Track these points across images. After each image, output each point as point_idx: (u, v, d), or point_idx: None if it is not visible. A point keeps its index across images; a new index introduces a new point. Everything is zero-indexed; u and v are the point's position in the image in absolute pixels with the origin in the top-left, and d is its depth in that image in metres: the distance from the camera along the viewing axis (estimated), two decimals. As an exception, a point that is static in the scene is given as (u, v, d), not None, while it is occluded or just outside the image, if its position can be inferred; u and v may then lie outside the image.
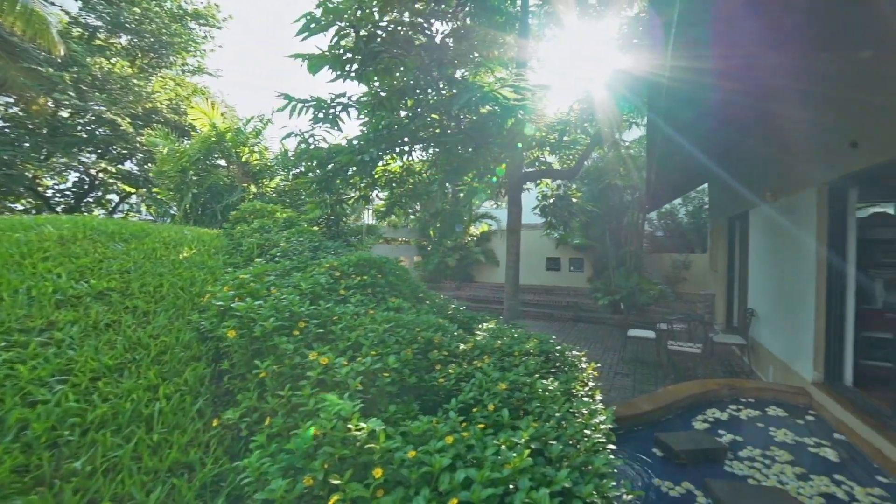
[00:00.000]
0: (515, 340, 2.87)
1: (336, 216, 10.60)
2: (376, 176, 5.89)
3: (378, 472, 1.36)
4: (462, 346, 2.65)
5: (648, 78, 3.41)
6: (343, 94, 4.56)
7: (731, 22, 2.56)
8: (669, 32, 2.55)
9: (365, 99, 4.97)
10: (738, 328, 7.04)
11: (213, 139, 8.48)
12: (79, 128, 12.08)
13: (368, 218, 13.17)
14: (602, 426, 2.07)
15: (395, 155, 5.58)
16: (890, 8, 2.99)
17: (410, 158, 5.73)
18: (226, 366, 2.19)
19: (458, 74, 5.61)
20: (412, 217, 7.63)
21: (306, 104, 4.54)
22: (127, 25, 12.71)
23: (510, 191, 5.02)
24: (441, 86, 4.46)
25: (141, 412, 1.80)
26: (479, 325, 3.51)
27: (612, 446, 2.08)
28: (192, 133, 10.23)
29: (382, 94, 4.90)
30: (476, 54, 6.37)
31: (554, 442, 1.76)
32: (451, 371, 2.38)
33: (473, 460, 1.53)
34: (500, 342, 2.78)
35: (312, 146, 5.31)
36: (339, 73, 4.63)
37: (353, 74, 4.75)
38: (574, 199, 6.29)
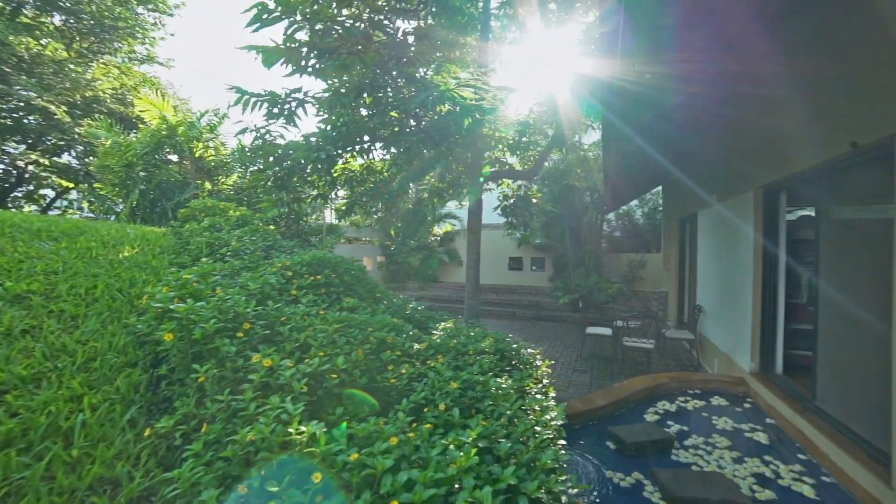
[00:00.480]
0: (471, 339, 2.88)
1: (296, 215, 10.30)
2: (335, 175, 5.76)
3: (317, 477, 1.32)
4: (416, 346, 2.63)
5: (602, 83, 3.53)
6: (299, 90, 4.42)
7: (667, 34, 2.69)
8: (616, 42, 2.64)
9: (322, 95, 4.84)
10: (688, 324, 7.42)
11: (164, 133, 8.00)
12: (2, 114, 10.98)
13: (332, 217, 12.88)
14: (553, 422, 2.10)
15: (355, 153, 5.48)
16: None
17: (371, 157, 5.65)
18: (164, 371, 2.06)
19: (419, 74, 5.59)
20: (375, 217, 7.52)
21: (260, 98, 4.37)
22: (60, 3, 11.64)
23: (470, 190, 5.06)
24: (400, 84, 4.41)
25: (59, 426, 1.64)
26: (437, 325, 3.50)
27: (562, 442, 2.13)
28: (141, 126, 9.59)
29: (342, 90, 4.79)
30: (439, 54, 6.37)
31: (504, 440, 1.78)
32: (403, 371, 2.35)
33: (419, 461, 1.51)
34: (454, 341, 2.78)
35: (268, 143, 5.13)
36: (295, 67, 4.49)
37: (309, 70, 4.61)
38: (534, 200, 6.42)
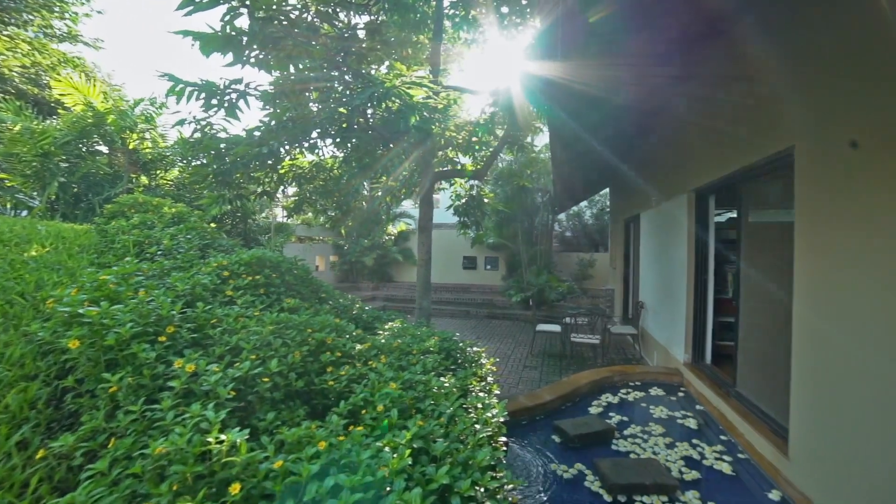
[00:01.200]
0: (415, 339, 2.85)
1: (243, 213, 9.78)
2: (282, 171, 5.52)
3: (235, 488, 1.24)
4: (358, 347, 2.56)
5: (545, 89, 3.62)
6: (239, 81, 4.18)
7: (594, 47, 2.81)
8: (556, 49, 2.72)
9: (266, 88, 4.62)
10: (632, 319, 7.83)
11: (90, 120, 7.29)
12: None
13: (283, 216, 12.37)
14: (494, 420, 2.12)
15: (303, 150, 5.27)
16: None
17: (321, 154, 5.47)
18: (70, 382, 1.86)
19: (371, 70, 5.48)
20: (329, 215, 7.28)
21: (196, 88, 4.09)
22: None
23: (421, 189, 5.01)
24: (348, 79, 4.29)
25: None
26: (383, 325, 3.44)
27: (503, 438, 2.15)
28: (61, 112, 8.66)
29: (288, 83, 4.59)
30: (393, 51, 6.28)
31: (441, 439, 1.76)
32: (342, 373, 2.28)
33: (349, 465, 1.47)
34: (399, 341, 2.74)
35: (209, 136, 4.82)
36: (235, 57, 4.24)
37: (252, 60, 4.38)
38: (486, 200, 6.51)
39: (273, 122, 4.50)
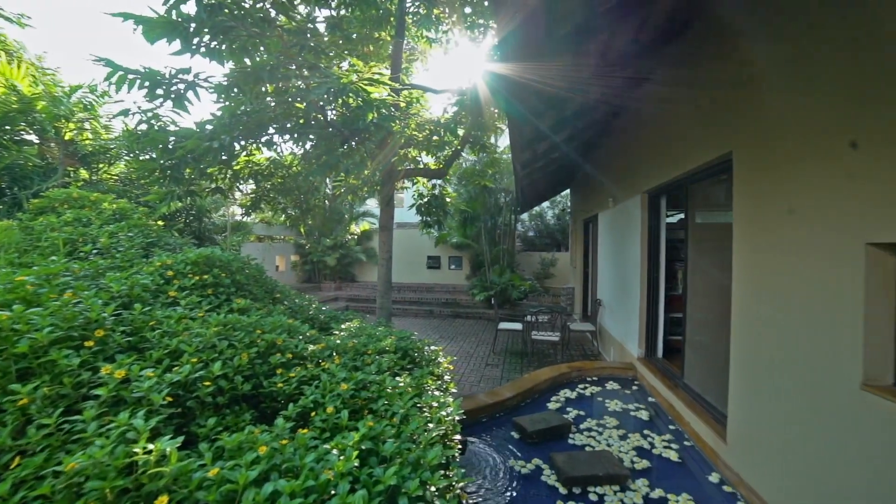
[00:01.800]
0: (372, 339, 2.80)
1: (198, 211, 9.29)
2: (237, 167, 5.27)
3: (162, 501, 1.15)
4: (312, 348, 2.48)
5: (508, 87, 3.66)
6: (187, 70, 3.95)
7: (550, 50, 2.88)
8: (515, 51, 2.75)
9: (219, 79, 4.40)
10: (591, 316, 8.08)
11: (14, 105, 6.65)
12: None
13: (241, 214, 11.84)
14: (448, 418, 2.10)
15: (259, 145, 5.06)
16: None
17: (279, 150, 5.27)
18: (-28, 396, 1.68)
19: (332, 66, 5.34)
20: (289, 213, 7.02)
21: (137, 76, 3.83)
22: None
23: (382, 188, 4.94)
24: (306, 74, 4.15)
25: None
26: (339, 325, 3.36)
27: (458, 437, 2.14)
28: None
29: (242, 75, 4.39)
30: (354, 47, 6.16)
31: (391, 440, 1.73)
32: (292, 374, 2.20)
33: (292, 469, 1.40)
34: (354, 341, 2.67)
35: (156, 128, 4.52)
36: (183, 45, 4.01)
37: (203, 50, 4.16)
38: (448, 199, 6.52)
39: (226, 116, 4.29)
